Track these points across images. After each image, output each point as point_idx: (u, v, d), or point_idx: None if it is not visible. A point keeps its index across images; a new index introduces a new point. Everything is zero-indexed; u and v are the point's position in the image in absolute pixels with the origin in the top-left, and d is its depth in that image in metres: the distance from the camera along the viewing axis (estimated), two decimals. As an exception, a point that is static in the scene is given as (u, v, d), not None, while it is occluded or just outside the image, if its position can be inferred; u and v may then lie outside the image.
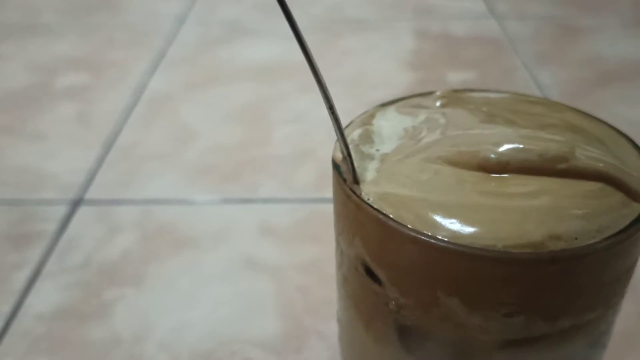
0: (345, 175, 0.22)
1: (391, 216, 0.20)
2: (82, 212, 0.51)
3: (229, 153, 0.58)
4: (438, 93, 0.26)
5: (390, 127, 0.24)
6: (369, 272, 0.22)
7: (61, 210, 0.50)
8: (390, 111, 0.25)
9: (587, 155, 0.21)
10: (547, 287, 0.19)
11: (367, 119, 0.25)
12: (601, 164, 0.21)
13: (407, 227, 0.20)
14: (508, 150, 0.21)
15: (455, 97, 0.26)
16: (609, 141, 0.23)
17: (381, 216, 0.20)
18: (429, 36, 0.81)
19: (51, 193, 0.52)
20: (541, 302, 0.20)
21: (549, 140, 0.21)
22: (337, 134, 0.21)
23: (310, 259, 0.46)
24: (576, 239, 0.19)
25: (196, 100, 0.67)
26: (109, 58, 0.76)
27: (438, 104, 0.25)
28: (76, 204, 0.51)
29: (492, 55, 0.75)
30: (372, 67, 0.72)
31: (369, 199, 0.21)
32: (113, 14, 0.88)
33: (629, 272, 0.21)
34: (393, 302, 0.21)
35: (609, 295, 0.21)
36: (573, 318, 0.21)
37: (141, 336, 0.40)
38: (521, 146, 0.21)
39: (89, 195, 0.52)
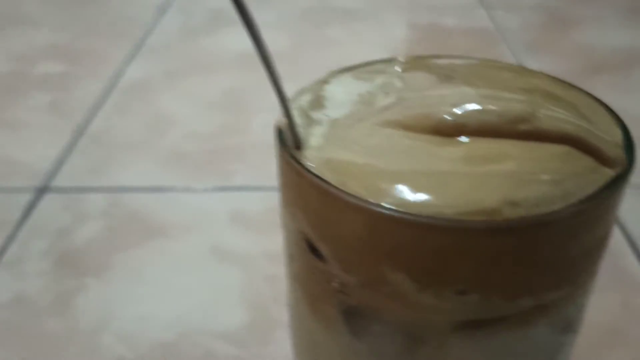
0: (288, 141, 0.20)
1: (332, 183, 0.18)
2: (48, 199, 0.48)
3: (205, 141, 0.56)
4: (400, 59, 0.24)
5: (344, 92, 0.22)
6: (312, 248, 0.20)
7: (26, 198, 0.48)
8: (346, 77, 0.23)
9: (552, 116, 0.19)
10: (505, 260, 0.17)
11: (320, 84, 0.23)
12: (568, 125, 0.19)
13: (348, 194, 0.18)
14: (465, 111, 0.19)
15: (418, 63, 0.24)
16: (582, 106, 0.21)
17: (322, 183, 0.18)
18: (417, 26, 0.78)
19: (18, 181, 0.50)
20: (498, 278, 0.18)
21: (510, 100, 0.19)
22: (276, 94, 0.19)
23: (281, 248, 0.43)
24: (537, 205, 0.17)
25: (174, 88, 0.65)
26: (88, 47, 0.74)
27: (398, 69, 0.23)
28: (42, 191, 0.49)
29: (481, 45, 0.73)
30: (358, 56, 0.70)
31: (309, 165, 0.19)
32: (95, 3, 0.86)
33: (599, 246, 0.19)
34: (337, 280, 0.19)
35: (576, 272, 0.19)
36: (536, 297, 0.18)
37: (100, 327, 0.38)
38: (480, 107, 0.19)
39: (56, 182, 0.50)
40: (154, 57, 0.71)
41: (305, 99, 0.22)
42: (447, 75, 0.22)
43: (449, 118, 0.19)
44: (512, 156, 0.18)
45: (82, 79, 0.67)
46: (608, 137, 0.19)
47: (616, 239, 0.44)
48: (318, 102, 0.22)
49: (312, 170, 0.18)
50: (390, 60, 0.24)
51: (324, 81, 0.23)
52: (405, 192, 0.17)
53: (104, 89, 0.64)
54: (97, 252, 0.44)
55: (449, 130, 0.19)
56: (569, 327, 0.21)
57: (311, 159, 0.19)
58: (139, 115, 0.60)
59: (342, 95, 0.22)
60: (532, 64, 0.67)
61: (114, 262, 0.43)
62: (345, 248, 0.19)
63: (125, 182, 0.51)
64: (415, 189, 0.17)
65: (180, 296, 0.40)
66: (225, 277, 0.42)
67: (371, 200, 0.17)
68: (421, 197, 0.17)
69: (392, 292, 0.18)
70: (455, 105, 0.19)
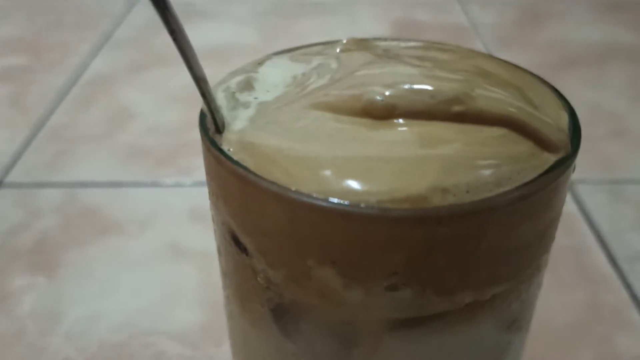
0: (210, 125, 0.18)
1: (252, 169, 0.16)
2: (1, 195, 0.47)
3: (167, 135, 0.54)
4: (343, 41, 0.23)
5: (278, 74, 0.21)
6: (236, 241, 0.18)
7: (-23, 194, 0.46)
8: (283, 59, 0.22)
9: (489, 96, 0.17)
10: (437, 252, 0.16)
11: (253, 66, 0.21)
12: (506, 107, 0.17)
13: (267, 181, 0.16)
14: (396, 92, 0.17)
15: (359, 44, 0.22)
16: (528, 89, 0.19)
17: (240, 169, 0.17)
18: (390, 21, 0.77)
19: (-29, 177, 0.49)
20: (431, 271, 0.16)
21: (444, 80, 0.17)
22: (189, 72, 0.17)
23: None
24: (468, 192, 0.15)
25: (139, 82, 0.63)
26: (53, 40, 0.72)
27: (337, 50, 0.22)
28: (-6, 187, 0.47)
29: (454, 39, 0.71)
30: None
31: (229, 150, 0.17)
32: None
33: (543, 237, 0.18)
34: (262, 276, 0.18)
35: (517, 266, 0.18)
36: (473, 292, 0.17)
37: (48, 328, 0.36)
38: (411, 87, 0.17)
39: (11, 178, 0.48)
40: (120, 51, 0.69)
41: (235, 81, 0.20)
42: (385, 56, 0.20)
43: (378, 99, 0.17)
44: (444, 139, 0.17)
45: (45, 72, 0.65)
46: (551, 121, 0.18)
47: (584, 235, 0.43)
48: (248, 84, 0.20)
49: (231, 155, 0.17)
50: (332, 43, 0.23)
51: (258, 63, 0.22)
52: (330, 179, 0.16)
53: (67, 82, 0.63)
54: (49, 250, 0.42)
55: (379, 112, 0.17)
56: (515, 324, 0.19)
57: (231, 143, 0.18)
58: (101, 109, 0.58)
59: (275, 77, 0.20)
60: (506, 58, 0.66)
61: (66, 259, 0.41)
62: (268, 240, 0.17)
63: (82, 177, 0.49)
64: (340, 175, 0.16)
65: (132, 295, 0.39)
66: (181, 276, 0.40)
67: (292, 187, 0.16)
68: (345, 183, 0.16)
69: (319, 288, 0.17)
70: (387, 86, 0.17)
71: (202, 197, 0.46)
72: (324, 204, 0.15)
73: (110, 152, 0.52)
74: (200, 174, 0.48)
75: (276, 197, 0.16)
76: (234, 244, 0.18)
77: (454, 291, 0.17)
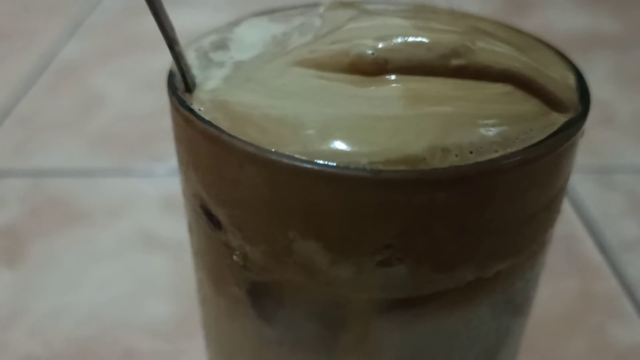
0: (179, 84, 0.16)
1: (225, 129, 0.14)
2: (-38, 185, 0.44)
3: (138, 122, 0.52)
4: (325, 2, 0.21)
5: (257, 34, 0.19)
6: (208, 214, 0.16)
7: (-64, 183, 0.44)
8: (261, 20, 0.20)
9: (492, 50, 0.15)
10: (436, 222, 0.14)
11: (229, 27, 0.19)
12: (511, 62, 0.15)
13: (242, 142, 0.14)
14: (389, 45, 0.15)
15: (344, 4, 0.20)
16: (529, 49, 0.18)
17: (212, 130, 0.15)
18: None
19: None
20: (429, 244, 0.14)
21: (441, 32, 0.16)
22: (156, 23, 0.15)
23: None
24: (471, 152, 0.14)
25: (111, 68, 0.61)
26: (22, 26, 0.69)
27: (321, 10, 0.20)
28: (-44, 175, 0.45)
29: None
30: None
31: (199, 110, 0.15)
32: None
33: (550, 208, 0.16)
34: (238, 253, 0.16)
35: (523, 239, 0.16)
36: (476, 269, 0.15)
37: (10, 322, 0.34)
38: (405, 39, 0.15)
39: (-26, 166, 0.46)
40: (92, 36, 0.67)
41: (208, 41, 0.18)
42: (374, 12, 0.18)
43: (369, 52, 0.15)
44: (443, 96, 0.15)
45: (13, 59, 0.62)
46: (559, 78, 0.16)
47: (574, 224, 0.41)
48: (223, 44, 0.18)
49: (202, 115, 0.15)
50: (314, 5, 0.21)
51: (234, 23, 0.20)
52: (314, 139, 0.14)
53: (35, 69, 0.60)
54: (12, 241, 0.39)
55: (369, 67, 0.15)
56: (517, 308, 0.18)
57: (203, 102, 0.16)
58: (71, 96, 0.56)
59: (253, 37, 0.18)
60: (489, 45, 0.64)
61: (30, 250, 0.39)
62: (244, 211, 0.15)
63: (49, 165, 0.46)
64: (326, 134, 0.14)
65: (102, 287, 0.36)
66: (153, 267, 0.38)
67: (271, 148, 0.14)
68: (332, 144, 0.14)
69: (302, 265, 0.15)
70: (378, 39, 0.15)
71: (175, 186, 0.44)
72: (308, 166, 0.13)
73: (79, 139, 0.50)
74: (172, 162, 0.46)
75: (253, 160, 0.14)
76: (206, 218, 0.16)
77: (455, 267, 0.15)
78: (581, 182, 0.45)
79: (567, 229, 0.41)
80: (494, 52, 0.15)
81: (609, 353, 0.32)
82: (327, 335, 0.16)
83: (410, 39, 0.15)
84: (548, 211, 0.16)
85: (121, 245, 0.39)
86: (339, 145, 0.14)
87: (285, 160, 0.14)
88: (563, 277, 0.37)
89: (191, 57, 0.17)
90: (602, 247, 0.39)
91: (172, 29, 0.15)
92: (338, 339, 0.16)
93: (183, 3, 0.74)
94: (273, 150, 0.14)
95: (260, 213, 0.15)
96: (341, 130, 0.14)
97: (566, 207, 0.42)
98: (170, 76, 0.17)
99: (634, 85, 0.58)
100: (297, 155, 0.14)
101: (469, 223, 0.14)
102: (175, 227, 0.41)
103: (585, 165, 0.47)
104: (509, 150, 0.14)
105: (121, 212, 0.42)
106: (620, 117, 0.52)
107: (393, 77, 0.15)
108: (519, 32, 0.19)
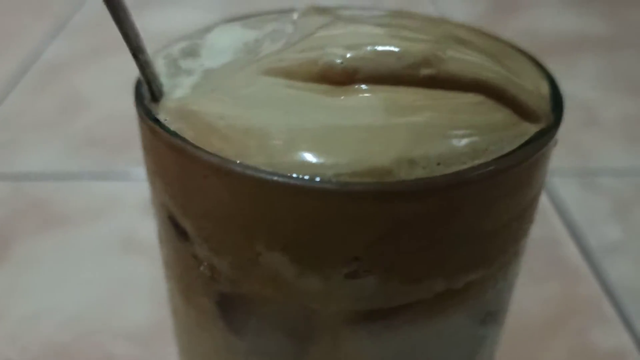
0: (145, 94, 0.16)
1: (190, 140, 0.14)
2: (-59, 188, 0.43)
3: (122, 124, 0.51)
4: (302, 8, 0.20)
5: (228, 41, 0.18)
6: (176, 225, 0.16)
7: None
8: (234, 26, 0.20)
9: (462, 59, 0.15)
10: (404, 234, 0.14)
11: (200, 33, 0.19)
12: (482, 71, 0.15)
13: (207, 153, 0.14)
14: (358, 54, 0.15)
15: (319, 11, 0.20)
16: (503, 56, 0.17)
17: (177, 140, 0.14)
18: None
19: None
20: (397, 256, 0.14)
21: (411, 40, 0.15)
22: (118, 28, 0.15)
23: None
24: (439, 164, 0.13)
25: (96, 68, 0.60)
26: (6, 26, 0.68)
27: (295, 17, 0.19)
28: None
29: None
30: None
31: (165, 120, 0.15)
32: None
33: (522, 218, 0.16)
34: (205, 264, 0.15)
35: (494, 251, 0.16)
36: (445, 280, 0.15)
37: (-13, 327, 0.33)
38: (375, 48, 0.15)
39: (-47, 169, 0.45)
40: (78, 36, 0.66)
41: (178, 47, 0.18)
42: (348, 19, 0.18)
43: (338, 62, 0.15)
44: (412, 106, 0.14)
45: (-5, 60, 0.61)
46: (531, 87, 0.16)
47: (556, 227, 0.41)
48: (193, 51, 0.18)
49: (167, 125, 0.15)
50: (288, 11, 0.21)
51: (206, 30, 0.19)
52: (280, 150, 0.14)
53: (19, 69, 0.59)
54: (-8, 244, 0.39)
55: (338, 77, 0.15)
56: (490, 317, 0.17)
57: (169, 112, 0.15)
58: (54, 96, 0.55)
59: (224, 43, 0.18)
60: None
61: (8, 254, 0.38)
62: (210, 223, 0.15)
63: (30, 168, 0.46)
64: (292, 145, 0.14)
65: (80, 291, 0.36)
66: (133, 271, 0.37)
67: (236, 160, 0.14)
68: (298, 155, 0.14)
69: (269, 277, 0.15)
70: (348, 47, 0.15)
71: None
72: (273, 178, 0.13)
73: (60, 141, 0.49)
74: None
75: (218, 172, 0.14)
76: (174, 228, 0.16)
77: (423, 279, 0.15)
78: (564, 184, 0.45)
79: (549, 232, 0.41)
80: (466, 61, 0.15)
81: (590, 357, 0.32)
82: (295, 347, 0.16)
83: (380, 48, 0.15)
84: (520, 221, 0.16)
85: (101, 248, 0.39)
86: (305, 156, 0.14)
87: (250, 172, 0.13)
88: (544, 281, 0.37)
89: (160, 65, 0.17)
90: (585, 251, 0.39)
91: (137, 36, 0.15)
92: (307, 351, 0.16)
93: (165, 3, 0.74)
94: (237, 161, 0.14)
95: (226, 225, 0.15)
96: (308, 141, 0.14)
97: (548, 210, 0.42)
98: (138, 85, 0.16)
99: (620, 88, 0.58)
100: (261, 167, 0.13)
101: (436, 235, 0.14)
102: (155, 231, 0.40)
103: (568, 167, 0.47)
104: (477, 162, 0.14)
105: (102, 215, 0.42)
106: (606, 120, 0.52)
107: (363, 86, 0.15)
108: (496, 39, 0.19)
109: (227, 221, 0.15)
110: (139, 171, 0.45)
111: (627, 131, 0.52)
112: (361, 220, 0.14)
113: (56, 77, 0.58)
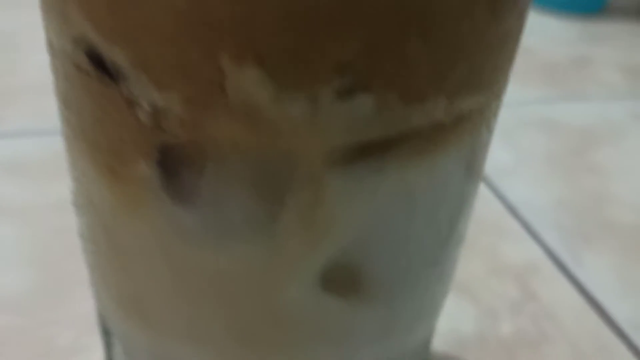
0: None
1: None
2: None
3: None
4: None
5: None
6: (98, 61, 0.12)
7: None
8: None
9: None
10: (407, 33, 0.11)
11: None
12: None
13: None
14: None
15: None
16: None
17: None
18: None
19: None
20: (397, 65, 0.11)
21: None
22: None
23: (68, 197, 0.35)
24: None
25: None
26: None
27: None
28: None
29: None
30: None
31: None
32: None
33: (517, 33, 0.14)
34: (145, 108, 0.12)
35: (493, 70, 0.13)
36: (446, 100, 0.12)
37: None
38: None
39: None
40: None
41: None
42: None
43: None
44: None
45: None
46: None
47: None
48: None
49: None
50: None
51: None
52: None
53: None
54: None
55: None
56: (471, 171, 0.15)
57: None
58: None
59: None
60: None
61: None
62: (154, 42, 0.11)
63: None
64: None
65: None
66: (2, 235, 0.32)
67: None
68: None
69: (238, 107, 0.11)
70: None
71: (17, 149, 0.38)
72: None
73: None
74: (12, 124, 0.40)
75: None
76: (95, 68, 0.12)
77: (425, 96, 0.12)
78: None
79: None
80: None
81: (507, 271, 0.32)
82: (264, 213, 0.13)
83: None
84: (518, 34, 0.14)
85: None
86: None
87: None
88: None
89: None
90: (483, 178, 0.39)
91: None
92: (279, 217, 0.13)
93: None
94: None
95: (177, 40, 0.11)
96: None
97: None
98: None
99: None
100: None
101: (442, 36, 0.12)
102: (22, 192, 0.35)
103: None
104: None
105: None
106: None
107: None
108: None
109: (179, 32, 0.11)
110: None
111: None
112: (357, 12, 0.11)
113: None
